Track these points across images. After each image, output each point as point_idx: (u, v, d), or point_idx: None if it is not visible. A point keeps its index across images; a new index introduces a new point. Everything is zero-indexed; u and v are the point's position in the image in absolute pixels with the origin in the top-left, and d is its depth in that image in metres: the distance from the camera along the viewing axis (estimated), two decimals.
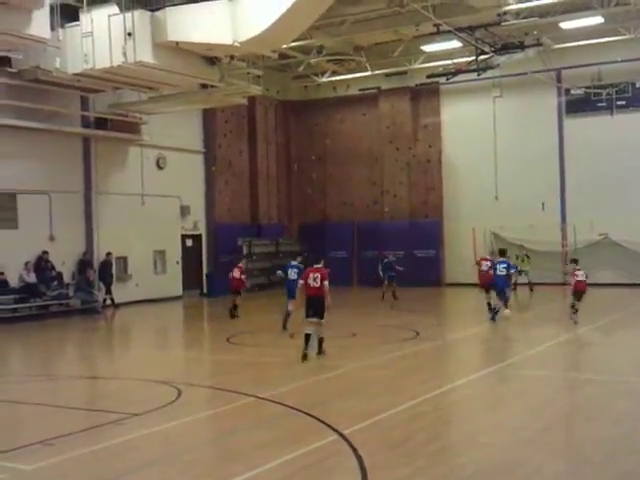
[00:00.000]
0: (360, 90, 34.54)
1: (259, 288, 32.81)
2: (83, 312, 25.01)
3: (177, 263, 30.49)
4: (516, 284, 28.56)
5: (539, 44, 27.25)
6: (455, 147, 33.12)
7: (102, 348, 19.33)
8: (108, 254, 26.54)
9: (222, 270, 31.78)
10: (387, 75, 33.31)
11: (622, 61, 29.37)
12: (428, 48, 30.17)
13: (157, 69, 20.09)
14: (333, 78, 33.58)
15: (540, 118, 31.30)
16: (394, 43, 30.00)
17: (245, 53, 21.84)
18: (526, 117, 31.59)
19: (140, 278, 28.29)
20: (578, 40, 28.86)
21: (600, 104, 30.11)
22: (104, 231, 26.92)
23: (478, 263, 22.59)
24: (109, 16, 19.27)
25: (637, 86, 29.70)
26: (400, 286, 26.78)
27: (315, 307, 14.64)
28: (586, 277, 19.47)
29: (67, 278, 25.47)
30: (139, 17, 19.09)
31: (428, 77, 30.49)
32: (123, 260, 27.83)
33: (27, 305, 23.56)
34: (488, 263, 21.42)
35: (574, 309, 19.28)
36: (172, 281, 30.06)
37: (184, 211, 30.75)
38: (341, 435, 9.00)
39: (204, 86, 23.67)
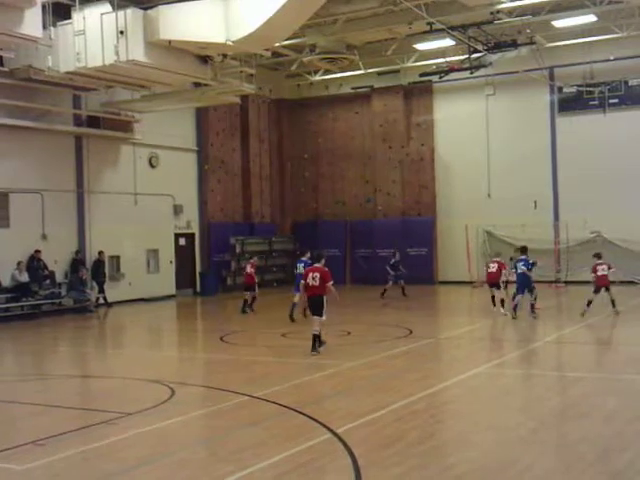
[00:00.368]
0: (353, 88, 34.55)
1: None
2: (75, 311, 24.98)
3: (170, 262, 30.44)
4: (507, 283, 28.63)
5: (532, 42, 27.26)
6: (448, 145, 33.16)
7: (95, 347, 19.32)
8: (100, 253, 26.49)
9: (215, 269, 31.91)
10: (380, 73, 33.33)
11: (615, 59, 29.42)
12: (421, 46, 30.18)
13: (150, 67, 20.05)
14: (326, 76, 33.58)
15: (533, 116, 31.38)
16: (387, 41, 30.01)
17: (238, 51, 21.80)
18: (519, 115, 31.66)
19: (133, 277, 28.25)
20: (571, 38, 28.94)
21: (593, 102, 30.16)
22: (97, 230, 26.87)
23: (486, 266, 23.03)
24: (101, 14, 19.21)
25: (629, 84, 29.77)
26: (393, 284, 26.86)
27: (314, 306, 14.81)
28: (609, 270, 19.60)
29: (59, 277, 25.43)
30: (131, 15, 19.05)
31: (421, 75, 30.46)
32: (116, 259, 27.78)
33: (19, 304, 23.52)
34: (495, 265, 21.80)
35: (589, 303, 19.70)
36: (165, 280, 30.02)
37: (177, 210, 30.71)
38: (334, 434, 9.01)
39: (197, 84, 23.67)
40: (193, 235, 31.96)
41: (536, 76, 29.75)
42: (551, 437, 9.14)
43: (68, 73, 20.64)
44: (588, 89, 30.03)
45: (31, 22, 17.34)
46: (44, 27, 18.34)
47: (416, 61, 31.50)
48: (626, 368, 13.34)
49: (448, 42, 28.69)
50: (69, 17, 19.95)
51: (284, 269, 34.16)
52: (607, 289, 20.06)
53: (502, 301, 21.31)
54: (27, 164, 24.56)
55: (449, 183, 33.08)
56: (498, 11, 25.38)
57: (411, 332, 18.05)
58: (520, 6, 25.18)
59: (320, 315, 14.74)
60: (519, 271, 20.28)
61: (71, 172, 26.44)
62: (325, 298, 14.79)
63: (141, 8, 19.44)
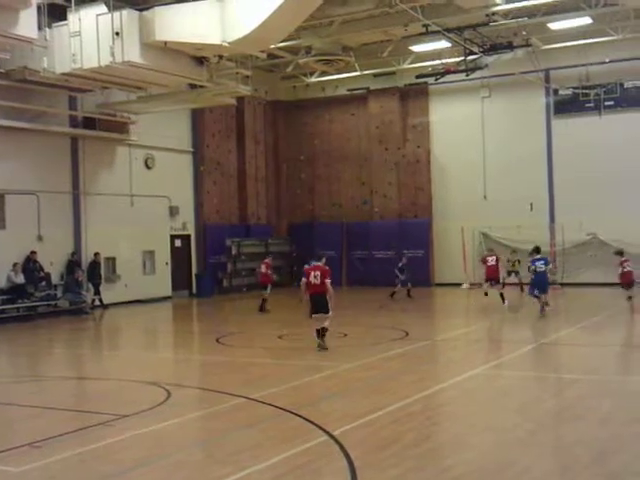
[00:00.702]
0: (349, 90, 34.56)
1: (248, 288, 32.85)
2: (71, 313, 24.94)
3: (166, 264, 30.40)
4: (504, 284, 28.69)
5: (528, 45, 27.32)
6: (444, 147, 33.18)
7: (90, 349, 19.28)
8: (96, 254, 26.44)
9: (211, 270, 31.88)
10: (376, 75, 33.33)
11: (610, 62, 29.48)
12: (417, 48, 30.21)
13: (145, 69, 20.05)
14: (322, 78, 33.57)
15: (528, 118, 31.41)
16: (383, 43, 30.05)
17: (234, 53, 21.81)
18: (515, 117, 31.69)
19: (129, 279, 28.21)
20: (566, 41, 28.97)
21: (588, 104, 30.21)
22: (92, 231, 26.83)
23: (484, 260, 23.30)
24: (97, 15, 19.20)
25: (625, 87, 29.82)
26: (389, 286, 26.93)
27: (319, 304, 15.30)
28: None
29: (55, 279, 25.38)
30: (127, 17, 19.04)
31: (417, 77, 30.50)
32: (112, 261, 27.73)
33: (15, 306, 23.46)
34: (494, 257, 23.11)
35: (629, 298, 20.23)
36: (161, 281, 29.97)
37: (173, 211, 30.68)
38: (331, 436, 9.00)
39: (193, 86, 23.65)
40: (189, 237, 31.92)
41: (532, 78, 29.81)
42: (548, 439, 9.14)
43: (64, 74, 20.62)
44: (584, 91, 30.09)
45: (26, 23, 17.33)
46: (39, 28, 18.33)
47: (412, 63, 31.51)
48: (622, 370, 13.36)
49: (444, 44, 28.72)
50: (64, 18, 19.94)
51: (280, 271, 34.11)
52: (630, 286, 20.42)
53: (502, 295, 21.95)
54: (23, 165, 24.51)
55: (445, 185, 33.11)
56: (494, 13, 25.43)
57: (407, 334, 18.05)
58: (516, 8, 25.21)
59: (326, 312, 15.28)
60: (538, 270, 20.56)
61: (67, 173, 26.41)
62: (328, 295, 15.31)
63: (137, 9, 19.44)
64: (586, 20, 27.07)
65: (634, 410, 10.47)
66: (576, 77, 30.22)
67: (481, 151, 32.10)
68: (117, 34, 18.94)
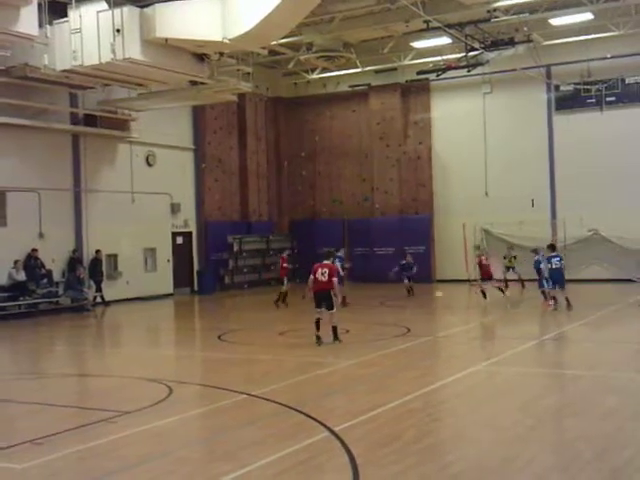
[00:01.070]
0: (350, 87, 34.52)
1: (249, 285, 32.87)
2: (73, 310, 24.94)
3: (168, 261, 30.40)
4: (506, 281, 28.71)
5: (529, 40, 27.27)
6: (445, 143, 33.16)
7: (92, 346, 19.28)
8: (98, 252, 26.46)
9: (213, 267, 31.89)
10: (377, 72, 33.32)
11: (612, 57, 29.44)
12: (418, 44, 30.20)
13: (146, 66, 20.03)
14: (323, 75, 33.56)
15: (530, 114, 31.38)
16: (384, 40, 30.01)
17: (235, 50, 21.77)
18: (516, 113, 31.66)
19: (130, 276, 28.22)
20: (568, 36, 28.95)
21: (590, 100, 30.17)
22: (94, 229, 26.84)
23: (480, 263, 23.52)
24: (98, 12, 19.19)
25: (626, 82, 29.77)
26: (390, 282, 26.94)
27: (323, 300, 15.82)
28: None
29: (57, 276, 25.39)
30: (128, 13, 19.01)
31: (418, 73, 30.50)
32: (113, 258, 27.74)
33: (16, 303, 23.48)
34: (485, 257, 23.62)
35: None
36: (163, 279, 29.99)
37: (174, 208, 30.67)
38: (332, 432, 9.00)
39: (194, 83, 23.60)
40: (190, 234, 31.92)
41: (533, 74, 29.77)
42: (549, 435, 9.14)
43: (64, 71, 20.61)
44: (585, 87, 30.04)
45: (27, 20, 17.32)
46: (40, 25, 18.32)
47: (413, 59, 31.50)
48: (624, 366, 13.34)
49: (445, 40, 28.71)
50: (65, 15, 19.92)
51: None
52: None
53: (500, 288, 23.19)
54: (24, 163, 24.51)
55: (446, 181, 33.10)
56: (495, 9, 25.41)
57: (409, 330, 18.04)
58: (517, 4, 25.20)
59: (329, 308, 15.75)
60: (554, 267, 20.91)
61: (68, 170, 26.40)
62: (333, 292, 15.84)
63: (137, 6, 19.39)
64: (587, 16, 27.05)
65: (637, 406, 10.48)
66: (577, 73, 30.17)
67: (482, 147, 32.07)
68: (118, 31, 18.92)
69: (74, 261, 25.77)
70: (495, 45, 27.15)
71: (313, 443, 8.67)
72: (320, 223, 35.42)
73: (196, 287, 31.65)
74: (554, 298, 21.17)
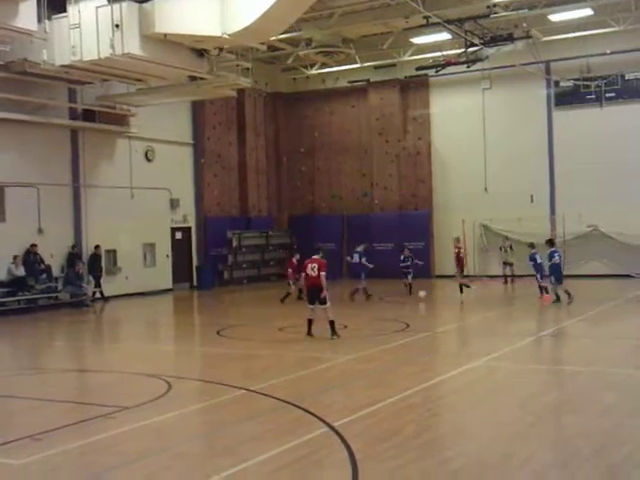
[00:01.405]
0: (349, 82, 34.50)
1: (248, 281, 32.87)
2: (72, 305, 24.93)
3: (167, 256, 30.40)
4: (506, 277, 28.78)
5: (528, 36, 27.24)
6: (444, 139, 33.14)
7: (91, 341, 19.29)
8: (97, 247, 26.45)
9: (212, 263, 31.89)
10: (376, 67, 33.28)
11: (611, 53, 29.44)
12: (417, 40, 30.17)
13: (145, 61, 20.03)
14: (322, 70, 33.52)
15: (529, 110, 31.37)
16: (383, 35, 30.01)
17: (234, 45, 21.78)
18: (515, 109, 31.64)
19: (130, 271, 28.22)
20: (567, 32, 28.91)
21: (589, 96, 30.16)
22: (93, 224, 26.82)
23: (458, 255, 24.53)
24: (97, 7, 19.20)
25: (626, 78, 29.76)
26: (390, 278, 26.91)
27: (315, 295, 16.00)
28: None
29: (56, 271, 25.37)
30: (127, 9, 19.01)
31: (417, 69, 30.46)
32: (112, 253, 27.75)
33: (16, 299, 23.47)
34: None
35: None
36: (162, 274, 29.99)
37: (173, 204, 30.67)
38: (331, 427, 9.01)
39: (193, 78, 23.59)
40: (190, 229, 31.91)
41: (532, 70, 29.74)
42: (548, 431, 9.15)
43: (63, 66, 20.61)
44: (585, 83, 30.03)
45: (26, 15, 17.34)
46: (39, 20, 18.35)
47: (412, 55, 31.46)
48: (623, 362, 13.35)
49: (444, 36, 28.68)
50: (64, 10, 19.92)
51: (280, 263, 34.11)
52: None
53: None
54: (23, 158, 24.49)
55: (446, 177, 33.09)
56: (494, 5, 25.41)
57: (408, 326, 18.05)
58: (516, 0, 25.15)
59: (322, 303, 15.89)
60: (554, 262, 21.28)
61: (67, 166, 26.39)
62: (324, 287, 15.94)
63: (136, 1, 19.38)
64: (587, 11, 27.05)
65: (636, 402, 10.48)
66: (577, 69, 30.17)
67: (482, 143, 32.05)
68: (117, 26, 18.92)
69: (73, 256, 25.77)
70: (494, 41, 27.11)
71: (312, 438, 8.67)
72: (319, 219, 35.42)
73: (195, 282, 31.65)
74: (555, 293, 21.27)
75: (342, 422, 9.20)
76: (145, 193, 29.02)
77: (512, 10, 25.91)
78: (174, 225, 31.05)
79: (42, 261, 24.60)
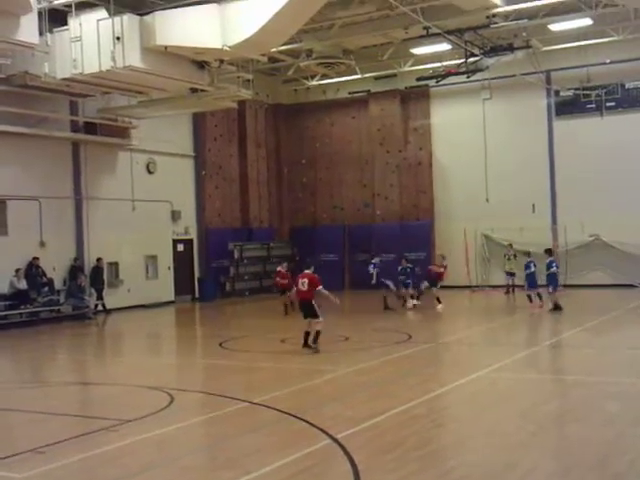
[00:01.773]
0: (350, 93, 34.57)
1: (250, 292, 32.85)
2: (74, 318, 24.92)
3: (169, 268, 30.40)
4: (508, 287, 28.72)
5: (528, 46, 27.30)
6: (445, 149, 33.18)
7: (94, 354, 19.28)
8: (99, 260, 26.47)
9: (214, 275, 31.87)
10: (377, 78, 33.35)
11: (611, 62, 29.49)
12: (417, 51, 30.25)
13: (146, 73, 20.06)
14: (323, 81, 33.60)
15: (530, 120, 31.39)
16: (383, 46, 30.06)
17: (234, 57, 21.82)
18: (516, 119, 31.68)
19: (132, 283, 28.22)
20: (567, 42, 28.98)
21: (589, 105, 30.20)
22: (95, 237, 26.84)
23: (440, 265, 25.46)
24: (98, 21, 19.24)
25: (626, 87, 29.80)
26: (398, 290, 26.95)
27: (306, 309, 15.84)
28: None
29: (58, 284, 25.38)
30: (128, 21, 19.05)
31: (418, 80, 30.50)
32: (114, 266, 27.74)
33: (18, 312, 23.46)
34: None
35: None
36: (164, 286, 29.98)
37: (175, 216, 30.69)
38: (334, 439, 8.99)
39: (194, 90, 23.62)
40: (191, 241, 31.92)
41: (533, 80, 29.79)
42: (551, 441, 9.12)
43: (65, 79, 20.64)
44: (585, 92, 30.07)
45: (27, 28, 17.35)
46: (40, 33, 18.35)
47: (413, 65, 31.54)
48: (625, 372, 13.32)
49: (444, 46, 28.74)
50: (65, 23, 19.97)
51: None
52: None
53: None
54: (24, 171, 24.53)
55: (447, 187, 33.11)
56: (494, 15, 25.41)
57: (410, 337, 18.03)
58: (516, 10, 25.22)
59: (314, 317, 15.72)
60: (551, 271, 21.66)
61: (68, 179, 26.43)
62: (314, 302, 15.77)
63: (137, 14, 19.45)
64: (586, 21, 27.09)
65: (638, 411, 10.46)
66: (577, 78, 30.22)
67: (483, 153, 32.07)
68: (118, 39, 18.96)
69: (75, 269, 25.78)
70: (494, 51, 27.14)
71: (315, 450, 8.66)
72: (321, 230, 35.43)
73: (197, 294, 31.63)
74: (555, 302, 21.36)
75: (345, 434, 9.18)
76: (147, 205, 29.05)
77: (512, 20, 25.95)
78: (176, 237, 31.05)
79: (44, 274, 24.61)
